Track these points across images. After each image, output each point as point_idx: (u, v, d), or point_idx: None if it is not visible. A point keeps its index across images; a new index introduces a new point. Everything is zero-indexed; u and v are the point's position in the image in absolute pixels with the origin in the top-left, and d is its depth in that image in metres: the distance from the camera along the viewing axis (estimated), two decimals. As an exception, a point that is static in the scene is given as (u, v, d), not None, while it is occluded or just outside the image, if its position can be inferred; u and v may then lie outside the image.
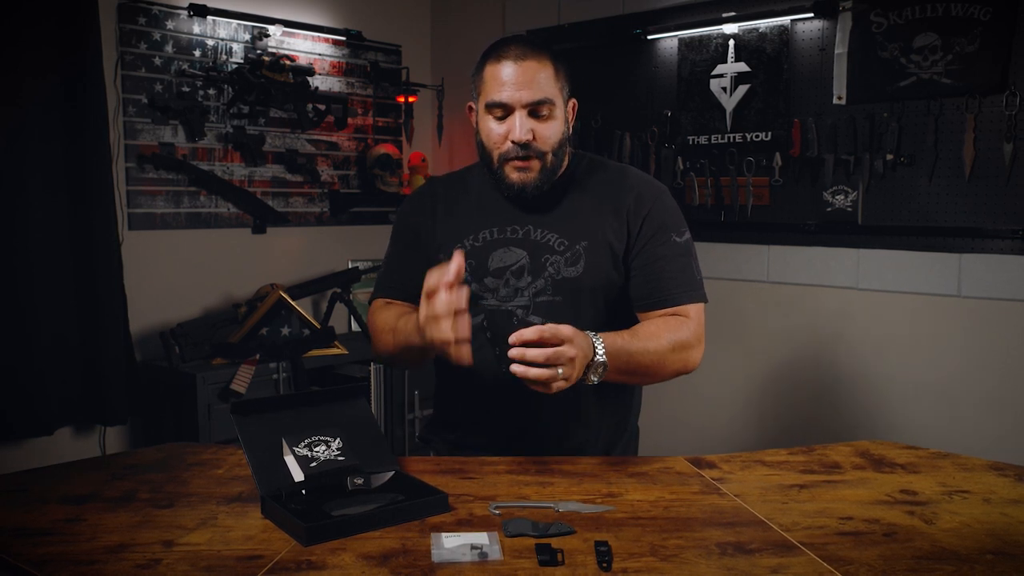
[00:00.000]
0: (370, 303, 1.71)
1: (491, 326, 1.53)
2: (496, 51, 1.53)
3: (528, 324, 1.49)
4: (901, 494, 1.31)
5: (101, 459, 1.59)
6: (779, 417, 2.99)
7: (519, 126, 1.50)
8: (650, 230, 1.57)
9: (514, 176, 1.53)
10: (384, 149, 3.60)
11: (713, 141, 3.02)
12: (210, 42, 3.09)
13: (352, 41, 3.51)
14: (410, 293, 1.66)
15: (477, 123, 1.58)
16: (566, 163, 1.61)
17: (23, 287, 2.60)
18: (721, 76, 2.98)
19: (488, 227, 1.59)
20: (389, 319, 1.58)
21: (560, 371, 1.28)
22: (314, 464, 1.26)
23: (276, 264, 3.35)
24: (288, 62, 3.24)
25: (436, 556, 1.07)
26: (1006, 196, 2.47)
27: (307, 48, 3.39)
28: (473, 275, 1.56)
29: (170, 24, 2.98)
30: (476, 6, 3.71)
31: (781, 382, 2.98)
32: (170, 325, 2.91)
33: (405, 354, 1.55)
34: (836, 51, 2.73)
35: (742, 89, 2.93)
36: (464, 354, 1.30)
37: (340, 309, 3.40)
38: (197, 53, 3.06)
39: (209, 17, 3.04)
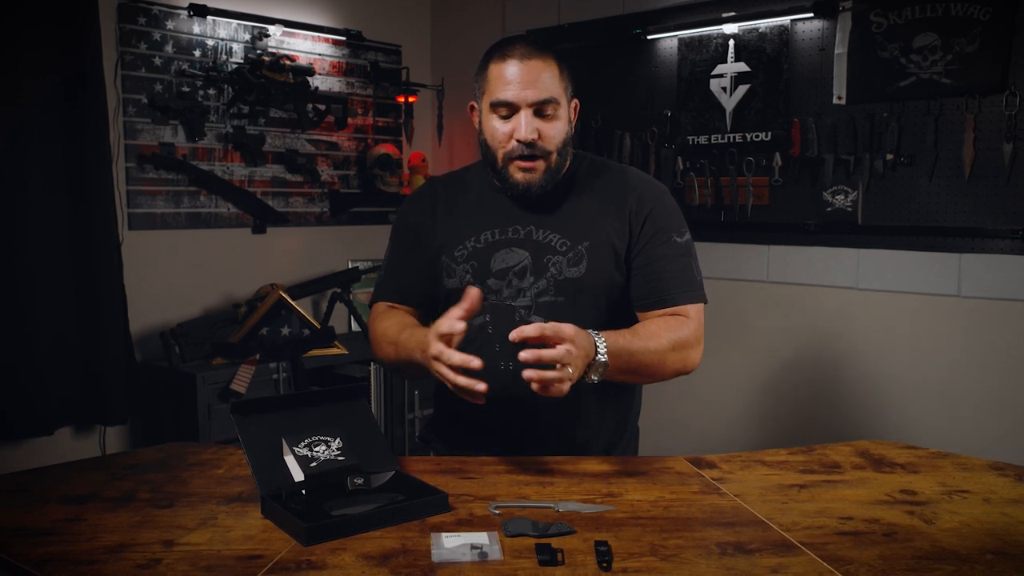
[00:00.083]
0: (371, 305, 1.71)
1: (493, 321, 1.53)
2: (501, 50, 1.52)
3: (529, 322, 1.50)
4: (901, 494, 1.32)
5: (101, 459, 1.59)
6: (779, 417, 2.99)
7: (525, 125, 1.49)
8: (651, 230, 1.57)
9: (519, 176, 1.53)
10: (384, 149, 3.60)
11: (713, 141, 3.02)
12: (210, 42, 3.09)
13: (352, 41, 3.51)
14: (411, 296, 1.66)
15: (480, 122, 1.58)
16: (568, 163, 1.61)
17: (23, 287, 2.60)
18: (721, 76, 2.98)
19: (490, 228, 1.59)
20: (391, 331, 1.57)
21: (569, 370, 1.28)
22: (314, 464, 1.26)
23: (276, 264, 3.35)
24: (288, 62, 3.24)
25: (436, 556, 1.07)
26: (1006, 196, 2.47)
27: (307, 48, 3.40)
28: (475, 276, 1.56)
29: (170, 24, 2.98)
30: (476, 6, 3.71)
31: (781, 382, 2.98)
32: (170, 325, 2.91)
33: (407, 369, 1.54)
34: (836, 51, 2.73)
35: (742, 89, 2.93)
36: (477, 397, 1.31)
37: (340, 309, 3.40)
38: (197, 53, 3.06)
39: (209, 17, 3.04)
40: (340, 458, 1.28)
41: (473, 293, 1.33)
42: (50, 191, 2.65)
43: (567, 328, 1.30)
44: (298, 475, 1.25)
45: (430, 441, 1.73)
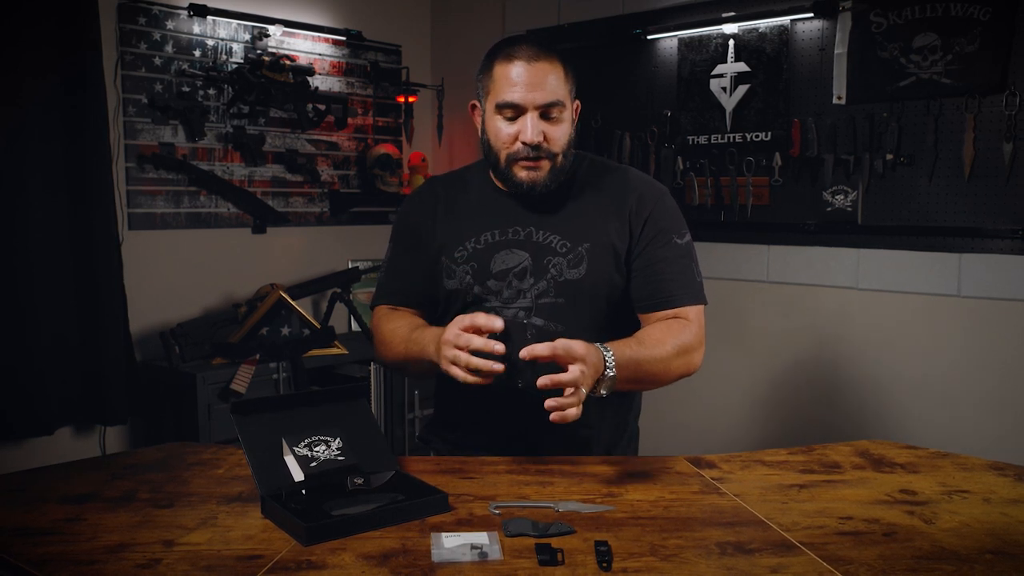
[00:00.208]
0: (372, 307, 1.70)
1: (503, 337, 1.52)
2: (506, 51, 1.51)
3: (534, 326, 1.50)
4: (901, 494, 1.32)
5: (101, 459, 1.59)
6: (779, 417, 2.99)
7: (531, 128, 1.48)
8: (651, 232, 1.57)
9: (523, 175, 1.53)
10: (384, 149, 3.60)
11: (713, 141, 3.02)
12: (210, 42, 3.09)
13: (352, 41, 3.51)
14: (412, 297, 1.66)
15: (483, 122, 1.57)
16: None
17: (23, 287, 2.60)
18: (721, 76, 2.98)
19: (490, 229, 1.58)
20: (401, 330, 1.56)
21: (583, 391, 1.28)
22: (314, 464, 1.26)
23: (276, 264, 3.35)
24: (288, 62, 3.24)
25: (436, 556, 1.07)
26: (1006, 196, 2.48)
27: (307, 48, 3.40)
28: (475, 278, 1.56)
29: (170, 24, 2.98)
30: (476, 6, 3.71)
31: (781, 382, 2.98)
32: (170, 325, 2.91)
33: (414, 366, 1.54)
34: (836, 51, 2.73)
35: (742, 89, 2.93)
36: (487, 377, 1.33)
37: (340, 309, 3.40)
38: (197, 53, 3.06)
39: (209, 17, 3.04)
40: (340, 458, 1.28)
41: (496, 323, 1.34)
42: (50, 191, 2.65)
43: (578, 347, 1.29)
44: (298, 475, 1.25)
45: (430, 441, 1.73)
